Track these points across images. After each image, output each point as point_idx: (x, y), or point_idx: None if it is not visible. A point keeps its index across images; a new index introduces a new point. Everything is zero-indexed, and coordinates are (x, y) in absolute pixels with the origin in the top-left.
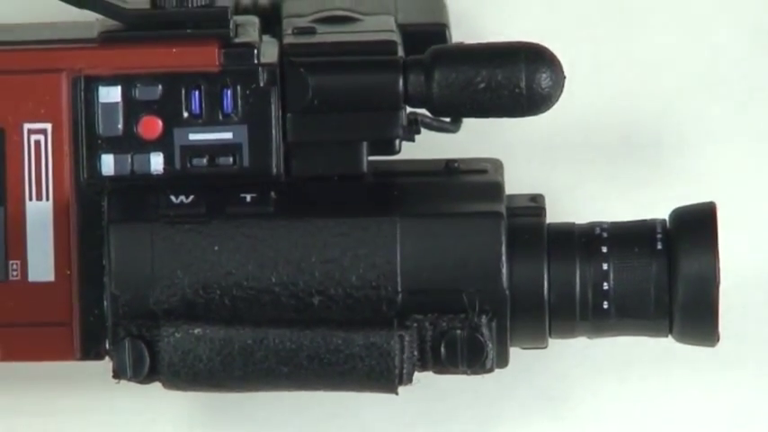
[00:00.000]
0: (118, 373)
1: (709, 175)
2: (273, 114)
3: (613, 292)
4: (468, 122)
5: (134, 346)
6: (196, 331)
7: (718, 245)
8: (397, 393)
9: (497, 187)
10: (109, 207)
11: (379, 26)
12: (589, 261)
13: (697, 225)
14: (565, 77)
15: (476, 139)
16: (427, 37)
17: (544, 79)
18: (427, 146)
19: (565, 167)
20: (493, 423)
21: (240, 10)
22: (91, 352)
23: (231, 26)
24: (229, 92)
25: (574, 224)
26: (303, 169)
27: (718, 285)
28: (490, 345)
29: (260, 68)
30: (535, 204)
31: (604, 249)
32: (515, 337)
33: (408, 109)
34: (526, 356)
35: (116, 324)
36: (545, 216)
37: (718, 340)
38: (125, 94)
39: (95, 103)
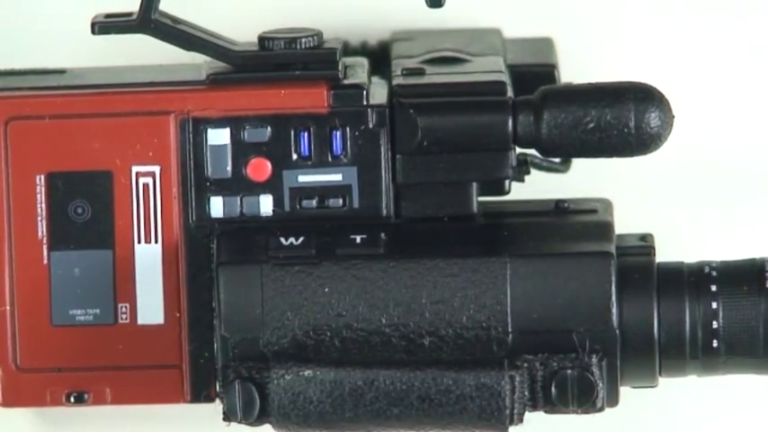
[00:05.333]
0: (228, 416)
1: None
2: (383, 156)
3: (723, 331)
4: (578, 162)
5: (244, 388)
6: (306, 373)
7: None
8: None
9: (607, 227)
10: (218, 249)
11: (488, 67)
12: (698, 300)
13: None
14: (674, 117)
15: (585, 179)
16: (536, 77)
17: (653, 119)
18: (537, 186)
19: (674, 207)
20: None
21: (349, 51)
22: (201, 394)
23: (340, 67)
24: (338, 133)
25: (683, 263)
26: (413, 210)
27: None
28: (601, 384)
29: (369, 110)
30: (645, 244)
31: (714, 288)
32: (625, 376)
33: (518, 149)
34: (636, 395)
35: (226, 366)
36: (654, 255)
37: None
38: (234, 137)
39: (204, 146)
